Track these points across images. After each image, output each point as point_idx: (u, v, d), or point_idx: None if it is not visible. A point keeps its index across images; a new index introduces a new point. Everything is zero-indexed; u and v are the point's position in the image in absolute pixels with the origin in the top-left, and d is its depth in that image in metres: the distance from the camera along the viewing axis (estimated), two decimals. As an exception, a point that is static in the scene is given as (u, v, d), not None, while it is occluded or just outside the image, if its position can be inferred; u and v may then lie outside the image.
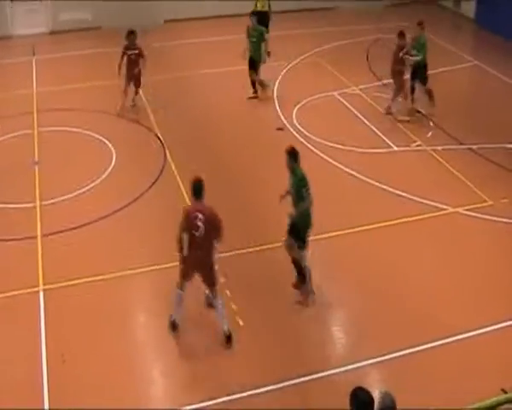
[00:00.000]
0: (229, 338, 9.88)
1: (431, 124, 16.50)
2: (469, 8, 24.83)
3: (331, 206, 13.00)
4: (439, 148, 15.36)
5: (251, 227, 12.60)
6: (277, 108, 17.34)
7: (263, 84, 18.03)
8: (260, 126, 16.60)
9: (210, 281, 9.89)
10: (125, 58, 16.63)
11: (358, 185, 13.93)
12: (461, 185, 13.95)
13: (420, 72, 16.55)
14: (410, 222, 12.75)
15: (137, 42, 16.77)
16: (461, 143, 15.56)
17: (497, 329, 10.11)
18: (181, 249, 9.71)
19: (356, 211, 13.07)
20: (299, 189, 10.39)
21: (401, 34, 16.59)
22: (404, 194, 13.56)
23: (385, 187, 13.79)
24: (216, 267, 9.89)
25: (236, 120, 16.89)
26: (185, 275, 9.90)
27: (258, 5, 20.47)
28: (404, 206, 13.22)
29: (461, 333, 9.99)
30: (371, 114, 16.96)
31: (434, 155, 15.11)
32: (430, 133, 16.06)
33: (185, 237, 9.53)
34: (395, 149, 15.39)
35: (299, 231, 10.61)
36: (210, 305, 10.26)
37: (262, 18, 20.26)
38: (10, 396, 8.98)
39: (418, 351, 9.69)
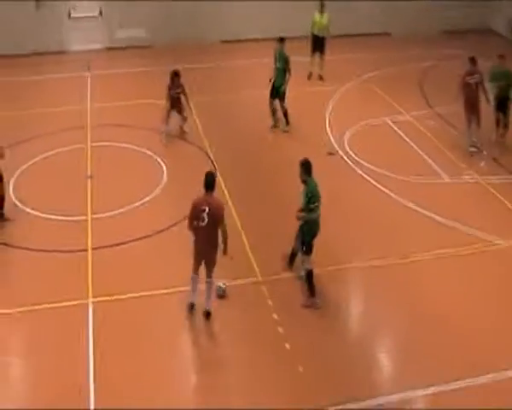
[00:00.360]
0: (208, 314, 10.79)
1: (484, 153, 16.27)
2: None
3: (380, 233, 13.04)
4: (494, 179, 15.13)
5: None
6: (328, 131, 17.29)
7: (287, 118, 17.23)
8: (310, 150, 16.40)
9: (211, 264, 10.78)
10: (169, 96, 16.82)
11: (408, 214, 13.79)
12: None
13: (504, 103, 16.30)
14: (460, 254, 12.57)
15: (181, 80, 16.84)
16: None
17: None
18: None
19: (405, 239, 12.95)
20: (309, 201, 10.84)
21: (472, 60, 16.26)
22: (455, 225, 13.39)
23: (435, 217, 13.63)
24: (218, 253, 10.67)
25: (287, 142, 16.88)
26: (195, 259, 10.81)
27: (314, 29, 20.55)
28: (454, 237, 13.04)
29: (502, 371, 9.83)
30: (423, 141, 16.81)
31: (488, 187, 14.90)
32: (483, 163, 15.85)
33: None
34: (447, 178, 15.21)
35: (303, 236, 11.07)
36: (221, 296, 11.18)
37: (318, 43, 20.40)
38: (59, 401, 9.20)
39: (465, 386, 9.56)
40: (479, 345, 10.34)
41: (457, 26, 25.75)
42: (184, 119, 17.15)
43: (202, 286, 10.88)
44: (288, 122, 17.28)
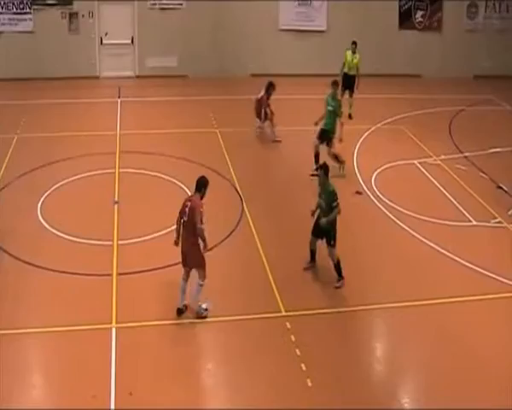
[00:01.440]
0: (180, 311, 11.30)
1: (512, 199, 16.20)
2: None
3: (405, 275, 12.97)
4: (521, 226, 15.04)
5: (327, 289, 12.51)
6: (356, 171, 17.27)
7: (339, 159, 16.84)
8: (339, 188, 16.36)
9: (196, 266, 11.23)
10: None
11: (434, 256, 13.67)
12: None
13: None
14: (486, 300, 12.42)
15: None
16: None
17: None
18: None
19: (430, 282, 12.82)
20: (331, 201, 12.04)
21: None
22: (480, 270, 13.22)
23: (461, 261, 13.50)
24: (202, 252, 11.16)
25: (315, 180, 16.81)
26: (183, 261, 11.28)
27: (345, 67, 20.66)
28: (480, 282, 12.89)
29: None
30: (451, 185, 16.73)
31: (516, 233, 14.80)
32: (511, 211, 15.75)
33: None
34: (474, 222, 15.10)
35: (329, 233, 12.15)
36: (201, 317, 11.36)
37: (348, 81, 20.48)
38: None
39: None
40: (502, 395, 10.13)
41: (483, 72, 25.73)
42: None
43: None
44: (342, 162, 16.90)
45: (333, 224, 12.22)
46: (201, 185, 11.30)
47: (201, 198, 11.29)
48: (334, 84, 17.06)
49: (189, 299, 11.42)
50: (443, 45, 25.51)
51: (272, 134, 19.03)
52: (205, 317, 11.39)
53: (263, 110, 18.82)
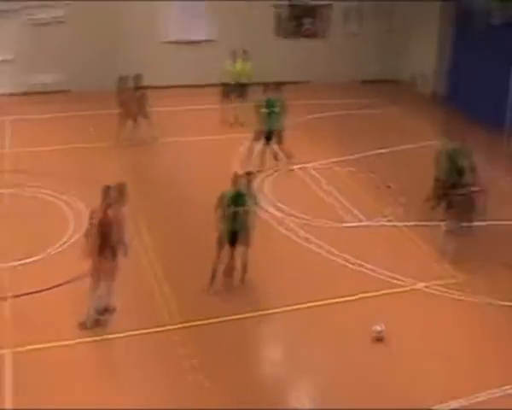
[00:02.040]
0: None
1: (402, 200, 16.46)
2: (432, 87, 25.47)
3: (298, 278, 12.98)
4: (410, 224, 15.34)
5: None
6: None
7: (287, 156, 17.83)
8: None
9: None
10: None
11: (326, 258, 13.76)
12: (429, 261, 13.90)
13: None
14: (379, 296, 12.58)
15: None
16: (430, 219, 15.50)
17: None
18: None
19: (322, 283, 12.86)
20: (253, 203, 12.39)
21: None
22: (373, 268, 13.40)
23: (353, 260, 13.65)
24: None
25: (200, 187, 16.47)
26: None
27: (235, 76, 20.73)
28: (372, 280, 13.05)
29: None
30: (341, 187, 16.95)
31: (405, 230, 15.11)
32: (401, 209, 16.05)
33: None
34: (365, 222, 15.34)
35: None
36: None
37: (240, 89, 20.47)
38: None
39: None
40: (406, 384, 10.33)
41: (370, 76, 26.38)
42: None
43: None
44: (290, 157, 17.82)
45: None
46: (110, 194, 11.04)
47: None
48: (277, 85, 17.81)
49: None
50: (330, 51, 25.89)
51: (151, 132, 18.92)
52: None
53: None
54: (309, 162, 18.29)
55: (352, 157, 18.79)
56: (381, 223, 15.40)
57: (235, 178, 12.44)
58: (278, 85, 17.99)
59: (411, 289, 12.89)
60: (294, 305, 12.11)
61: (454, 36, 24.52)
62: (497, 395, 10.16)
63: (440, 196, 14.75)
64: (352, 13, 26.49)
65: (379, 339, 11.40)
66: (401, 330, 11.64)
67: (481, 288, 12.95)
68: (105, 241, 10.85)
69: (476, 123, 21.53)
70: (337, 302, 12.31)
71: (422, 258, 14.06)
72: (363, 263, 13.55)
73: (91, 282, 11.13)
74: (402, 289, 12.87)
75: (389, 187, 16.99)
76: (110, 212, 10.88)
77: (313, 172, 17.85)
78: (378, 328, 11.35)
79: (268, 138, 17.64)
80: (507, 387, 10.34)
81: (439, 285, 13.02)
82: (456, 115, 22.76)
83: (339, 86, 24.99)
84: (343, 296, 12.45)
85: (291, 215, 15.34)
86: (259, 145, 17.80)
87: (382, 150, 19.40)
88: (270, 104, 17.55)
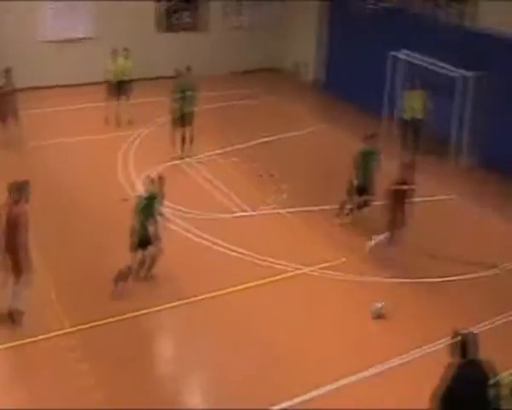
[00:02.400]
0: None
1: (284, 187, 16.91)
2: (312, 75, 26.10)
3: (186, 272, 13.08)
4: (293, 210, 15.79)
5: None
6: (123, 177, 17.17)
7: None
8: (105, 197, 16.08)
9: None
10: None
11: (213, 250, 13.96)
12: (314, 245, 14.38)
13: None
14: (264, 285, 12.89)
15: None
16: (313, 205, 16.05)
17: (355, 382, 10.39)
18: None
19: (212, 276, 13.07)
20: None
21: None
22: (257, 258, 13.72)
23: (240, 250, 13.92)
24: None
25: (82, 189, 16.47)
26: None
27: (118, 73, 20.49)
28: (261, 268, 13.36)
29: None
30: (226, 178, 17.18)
31: (288, 217, 15.56)
32: (284, 195, 16.47)
33: None
34: (250, 212, 15.65)
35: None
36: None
37: (123, 87, 20.30)
38: None
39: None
40: (300, 365, 10.70)
41: (250, 67, 26.78)
42: None
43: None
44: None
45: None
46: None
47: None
48: (188, 69, 18.48)
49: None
50: (211, 44, 26.04)
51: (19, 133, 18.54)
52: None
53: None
54: (192, 156, 18.42)
55: (235, 148, 19.08)
56: (266, 211, 15.75)
57: (149, 180, 12.79)
58: (188, 70, 18.48)
59: (297, 274, 13.29)
60: (189, 298, 12.25)
61: (332, 23, 25.15)
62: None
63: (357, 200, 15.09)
64: (232, 4, 26.77)
65: (380, 316, 11.97)
66: (291, 316, 12.06)
67: (365, 267, 13.59)
68: (11, 238, 10.74)
69: (356, 108, 22.35)
70: (227, 293, 12.52)
71: (307, 243, 14.49)
72: (248, 253, 13.81)
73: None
74: (289, 275, 13.26)
75: (272, 175, 17.40)
76: (16, 208, 10.78)
77: (197, 165, 18.02)
78: (378, 305, 11.89)
79: (183, 122, 18.16)
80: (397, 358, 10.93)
81: (324, 268, 13.51)
82: (336, 102, 23.49)
83: (220, 78, 25.16)
84: (233, 286, 12.67)
85: (179, 210, 15.40)
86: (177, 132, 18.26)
87: (265, 139, 19.81)
88: (182, 89, 18.11)
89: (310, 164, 18.74)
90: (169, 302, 12.13)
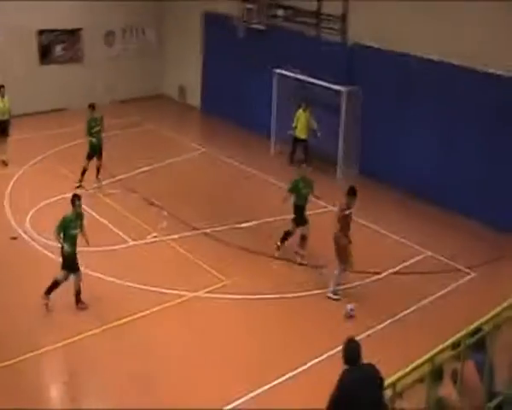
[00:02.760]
0: None
1: (165, 214, 16.91)
2: (195, 99, 26.23)
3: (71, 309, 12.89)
4: (176, 236, 15.84)
5: None
6: (10, 216, 16.73)
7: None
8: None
9: None
10: None
11: (99, 282, 13.81)
12: (198, 269, 14.53)
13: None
14: (154, 313, 12.91)
15: None
16: (194, 229, 16.16)
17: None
18: None
19: (101, 309, 12.97)
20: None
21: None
22: (144, 287, 13.70)
23: (125, 283, 13.85)
24: None
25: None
26: None
27: None
28: (146, 299, 13.35)
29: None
30: (106, 211, 17.07)
31: (171, 243, 15.59)
32: (165, 223, 16.47)
33: None
34: (131, 243, 15.54)
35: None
36: None
37: (1, 127, 19.67)
38: None
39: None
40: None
41: (132, 95, 26.74)
42: None
43: None
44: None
45: None
46: None
47: None
48: (93, 107, 18.68)
49: None
50: (86, 75, 25.75)
51: None
52: None
53: None
54: (72, 191, 18.02)
55: (117, 179, 18.93)
56: (148, 240, 15.74)
57: (74, 199, 13.13)
58: (93, 106, 18.85)
59: (184, 300, 13.39)
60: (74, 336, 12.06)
61: (209, 46, 25.47)
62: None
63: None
64: (111, 35, 26.62)
65: (351, 316, 12.91)
66: (181, 340, 12.23)
67: (246, 286, 13.83)
68: None
69: (236, 129, 22.67)
70: (117, 326, 12.45)
71: (192, 267, 14.63)
72: (132, 284, 13.79)
73: None
74: (176, 301, 13.33)
75: (153, 204, 17.43)
76: None
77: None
78: (349, 307, 12.94)
79: (95, 154, 18.52)
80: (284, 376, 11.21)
81: (210, 291, 13.72)
82: (217, 124, 23.77)
83: (100, 109, 24.71)
84: (119, 319, 12.60)
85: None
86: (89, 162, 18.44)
87: (146, 168, 19.87)
88: (95, 123, 18.50)
89: (190, 189, 18.76)
90: (53, 343, 11.89)
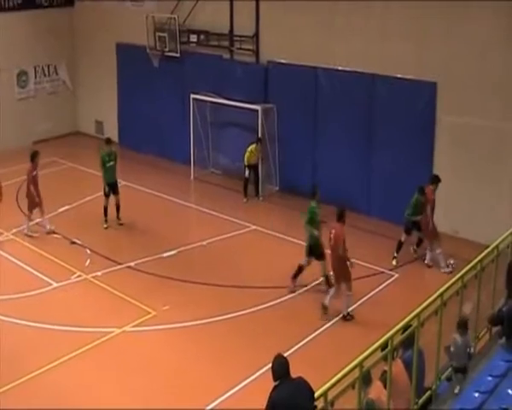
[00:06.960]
0: None
1: (88, 252, 16.59)
2: (113, 133, 25.80)
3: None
4: (99, 273, 15.56)
5: None
6: None
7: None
8: None
9: None
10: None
11: (24, 332, 13.35)
12: (124, 304, 14.27)
13: None
14: (82, 354, 12.56)
15: None
16: (118, 263, 15.91)
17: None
18: None
19: (23, 358, 12.45)
20: None
21: None
22: (70, 328, 13.36)
23: (49, 326, 13.46)
24: None
25: None
26: None
27: None
28: (72, 340, 12.98)
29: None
30: (26, 255, 16.60)
31: (95, 281, 15.28)
32: (88, 261, 16.14)
33: None
34: (55, 285, 15.15)
35: None
36: None
37: None
38: None
39: None
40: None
41: (47, 135, 26.20)
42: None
43: None
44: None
45: None
46: None
47: None
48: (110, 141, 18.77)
49: None
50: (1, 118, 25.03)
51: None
52: None
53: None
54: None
55: (36, 221, 18.38)
56: (73, 280, 15.39)
57: None
58: (108, 140, 18.91)
59: (114, 336, 13.11)
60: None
61: (123, 78, 25.27)
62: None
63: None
64: (24, 75, 26.01)
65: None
66: (112, 377, 11.95)
67: (175, 316, 13.67)
68: None
69: (154, 159, 22.49)
70: (46, 371, 12.03)
71: (117, 303, 14.36)
72: (59, 327, 13.40)
73: None
74: (106, 338, 13.04)
75: (74, 243, 17.08)
76: None
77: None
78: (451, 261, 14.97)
79: (112, 190, 18.31)
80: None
81: (138, 324, 13.48)
82: (134, 156, 23.58)
83: (15, 152, 24.09)
84: (51, 362, 12.21)
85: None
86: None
87: (65, 207, 19.49)
88: (108, 158, 18.20)
89: (111, 224, 18.38)
90: None
